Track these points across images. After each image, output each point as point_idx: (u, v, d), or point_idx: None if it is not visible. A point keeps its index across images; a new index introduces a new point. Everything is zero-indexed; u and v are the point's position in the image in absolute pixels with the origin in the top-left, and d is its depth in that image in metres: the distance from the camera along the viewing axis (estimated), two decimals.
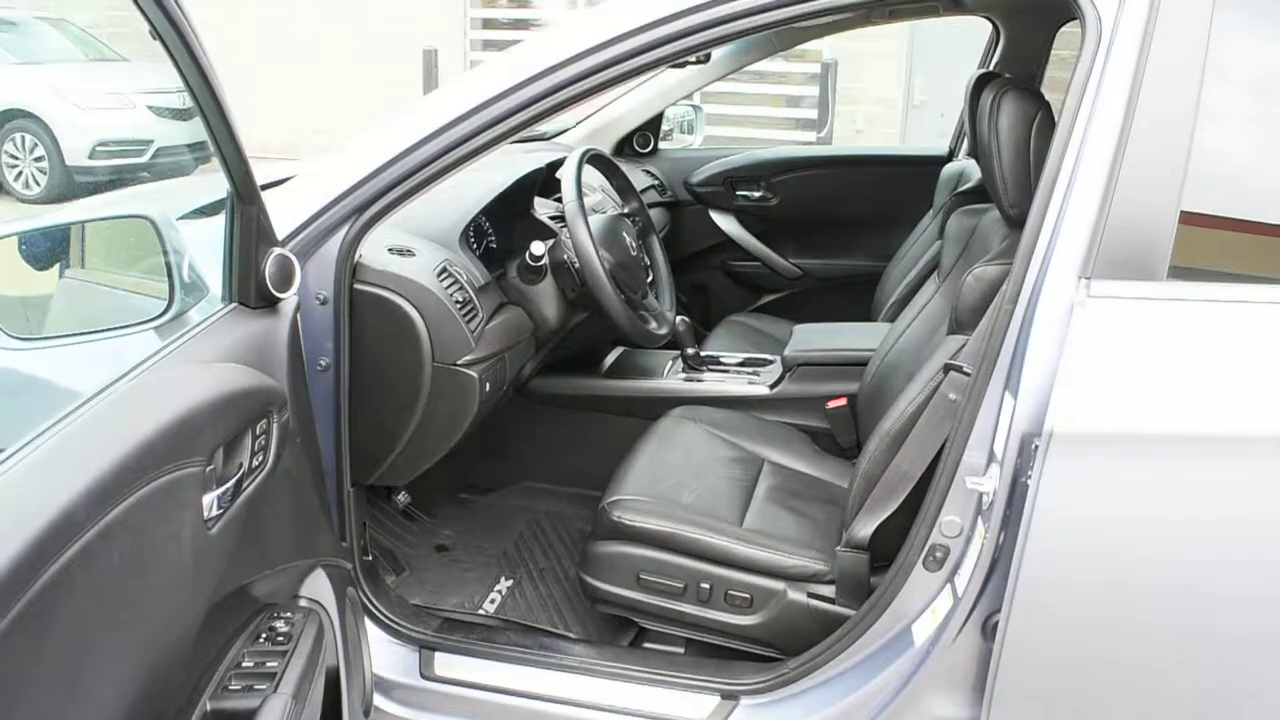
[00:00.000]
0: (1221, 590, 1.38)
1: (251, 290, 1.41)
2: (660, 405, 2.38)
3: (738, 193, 3.44)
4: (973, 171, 2.78)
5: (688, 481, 2.03)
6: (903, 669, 1.59)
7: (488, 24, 10.07)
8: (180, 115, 9.17)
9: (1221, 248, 1.41)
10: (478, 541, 2.43)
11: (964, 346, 1.61)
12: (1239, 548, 1.35)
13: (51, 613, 0.92)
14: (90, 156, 8.77)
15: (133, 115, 8.92)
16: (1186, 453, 1.33)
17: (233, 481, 1.25)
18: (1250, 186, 1.39)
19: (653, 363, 2.59)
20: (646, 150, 3.48)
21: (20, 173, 8.79)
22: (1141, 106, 1.35)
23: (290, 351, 1.46)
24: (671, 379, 2.51)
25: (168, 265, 1.42)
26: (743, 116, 8.92)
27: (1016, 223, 1.73)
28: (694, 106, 3.66)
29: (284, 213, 1.63)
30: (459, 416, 1.89)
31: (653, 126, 3.46)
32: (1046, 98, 1.84)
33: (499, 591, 2.22)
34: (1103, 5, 1.41)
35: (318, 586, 1.57)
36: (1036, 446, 1.35)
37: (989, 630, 1.50)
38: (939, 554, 1.57)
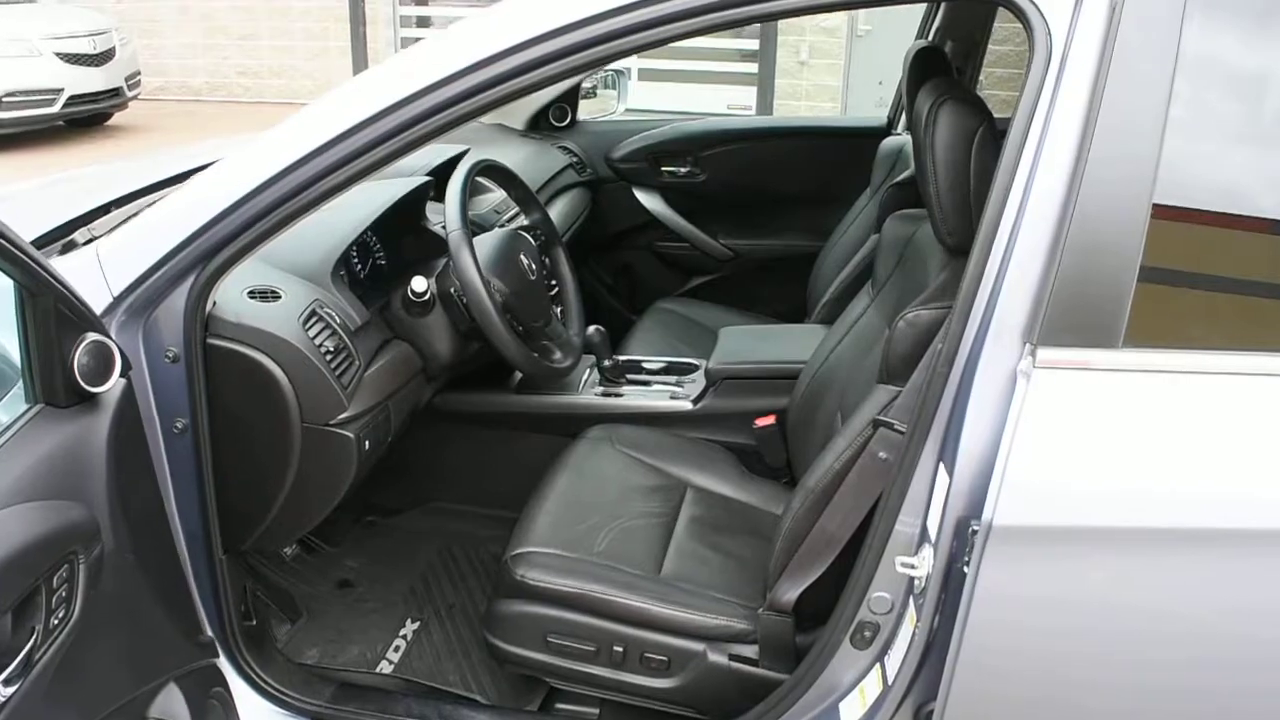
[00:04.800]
0: (1181, 688, 1.24)
1: (59, 388, 1.19)
2: (576, 422, 2.20)
3: (663, 169, 3.21)
4: (911, 153, 2.58)
5: (603, 521, 1.86)
6: None
7: None
8: (92, 61, 8.69)
9: (1188, 309, 1.23)
10: (384, 573, 2.25)
11: (895, 399, 1.44)
12: (1200, 647, 1.20)
13: None
14: None
15: (40, 62, 8.43)
16: (1141, 549, 1.17)
17: (21, 656, 1.05)
18: (1223, 237, 1.20)
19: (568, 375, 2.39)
20: (564, 124, 3.23)
21: None
22: (1099, 140, 1.15)
23: (113, 452, 1.24)
24: (587, 393, 2.31)
25: None
26: (680, 47, 8.57)
27: (954, 251, 1.54)
28: (616, 72, 3.41)
29: (123, 261, 1.42)
30: (336, 480, 1.69)
31: (570, 98, 3.21)
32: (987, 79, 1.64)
33: (404, 637, 2.05)
34: (1053, 16, 1.20)
35: (170, 705, 1.37)
36: (974, 532, 1.19)
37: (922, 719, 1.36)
38: (867, 632, 1.42)
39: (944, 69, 2.02)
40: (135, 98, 9.14)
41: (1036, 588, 1.20)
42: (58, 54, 8.52)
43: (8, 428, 1.14)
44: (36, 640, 1.08)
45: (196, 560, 1.54)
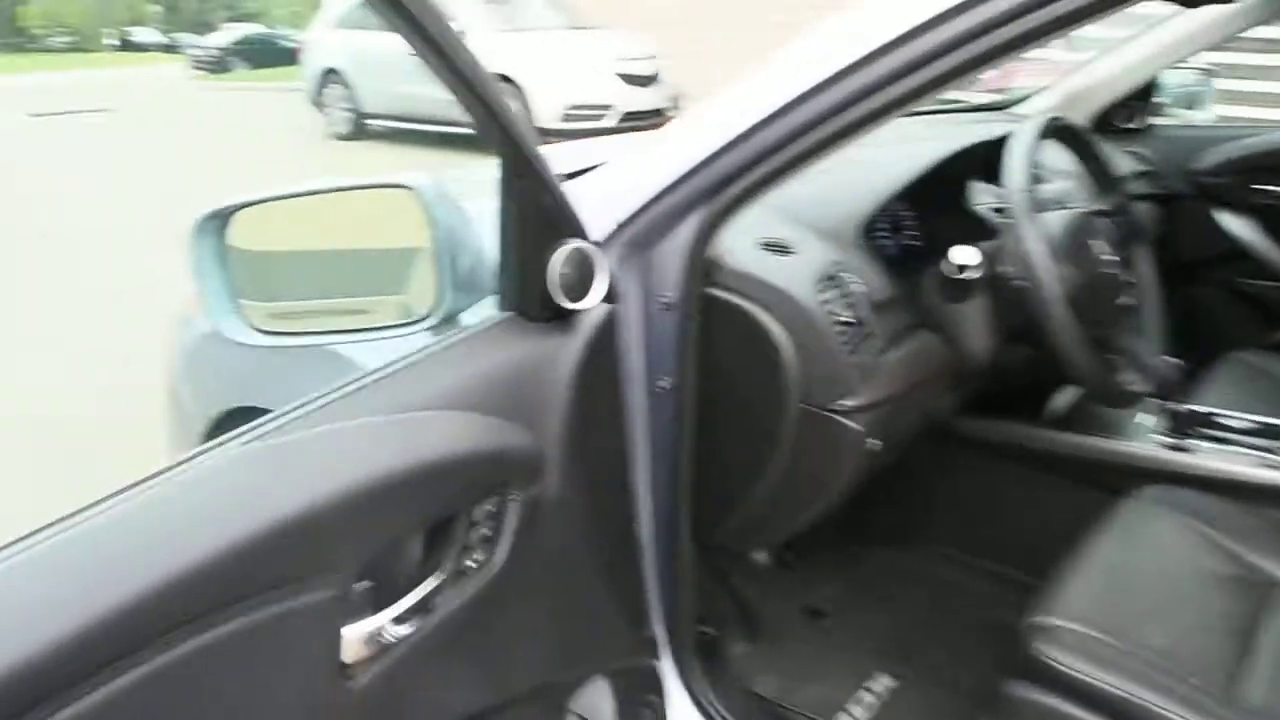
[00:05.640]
0: None
1: (531, 297, 1.04)
2: (1126, 477, 1.76)
3: (1258, 187, 2.59)
4: None
5: (1160, 609, 1.42)
6: None
7: None
8: (642, 82, 9.48)
9: None
10: (861, 612, 1.96)
11: None
12: None
13: None
14: (562, 120, 9.31)
15: (601, 80, 9.35)
16: None
17: (419, 596, 0.90)
18: None
19: (1121, 414, 1.94)
20: (1134, 126, 2.73)
21: None
22: None
23: (580, 385, 1.06)
24: (1147, 442, 1.85)
25: (436, 253, 1.08)
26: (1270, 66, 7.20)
27: None
28: (1202, 71, 2.83)
29: (618, 192, 1.26)
30: (829, 479, 1.42)
31: (1142, 96, 2.70)
32: None
33: (873, 690, 1.74)
34: None
35: (596, 702, 1.18)
36: None
37: None
38: None
39: None
40: (672, 119, 9.80)
41: None
42: (618, 74, 9.39)
43: (468, 327, 1.01)
44: (444, 582, 0.93)
45: (659, 543, 1.35)
